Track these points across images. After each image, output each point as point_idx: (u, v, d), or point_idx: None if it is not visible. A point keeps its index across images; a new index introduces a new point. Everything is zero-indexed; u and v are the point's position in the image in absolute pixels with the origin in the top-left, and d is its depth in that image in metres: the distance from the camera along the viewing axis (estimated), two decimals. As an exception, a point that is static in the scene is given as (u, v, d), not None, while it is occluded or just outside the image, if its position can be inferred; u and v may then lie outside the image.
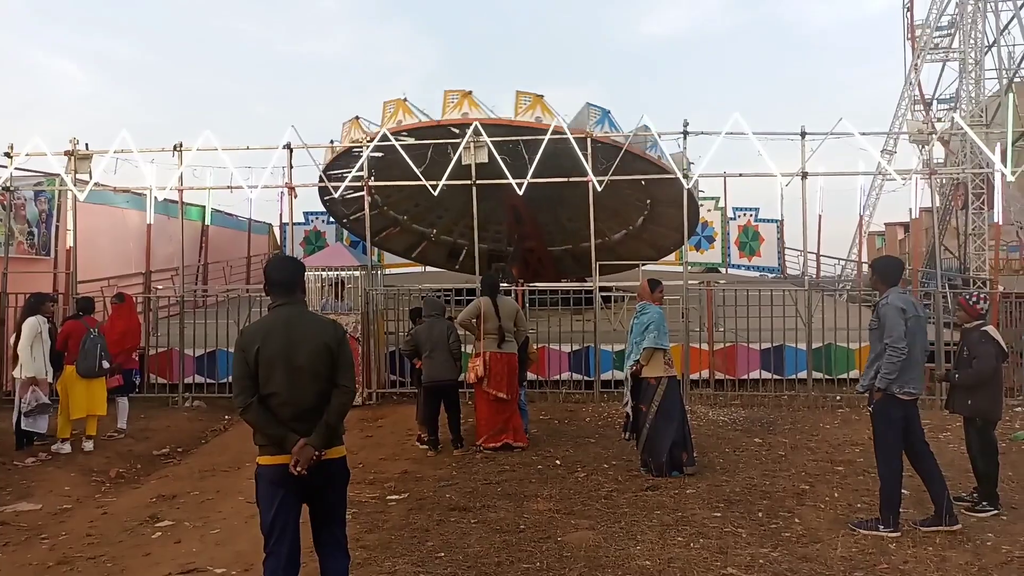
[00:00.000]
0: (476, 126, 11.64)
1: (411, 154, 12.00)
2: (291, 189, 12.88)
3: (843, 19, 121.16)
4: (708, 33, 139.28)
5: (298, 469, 3.53)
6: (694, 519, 5.56)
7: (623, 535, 5.25)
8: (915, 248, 20.52)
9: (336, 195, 13.98)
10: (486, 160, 11.62)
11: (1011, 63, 26.40)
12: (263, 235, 21.81)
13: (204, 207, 16.97)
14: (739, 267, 21.97)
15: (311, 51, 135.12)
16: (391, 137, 12.08)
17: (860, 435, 8.10)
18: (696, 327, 11.39)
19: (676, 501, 6.02)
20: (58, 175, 12.44)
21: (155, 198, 12.90)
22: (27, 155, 12.01)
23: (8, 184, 12.01)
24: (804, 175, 11.77)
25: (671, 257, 17.89)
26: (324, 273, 11.08)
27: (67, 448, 8.23)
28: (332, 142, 13.96)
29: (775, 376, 11.18)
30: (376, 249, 18.01)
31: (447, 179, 11.79)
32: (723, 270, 21.81)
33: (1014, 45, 26.27)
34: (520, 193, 12.00)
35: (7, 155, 11.89)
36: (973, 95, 24.82)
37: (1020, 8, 25.31)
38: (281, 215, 18.01)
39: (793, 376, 11.13)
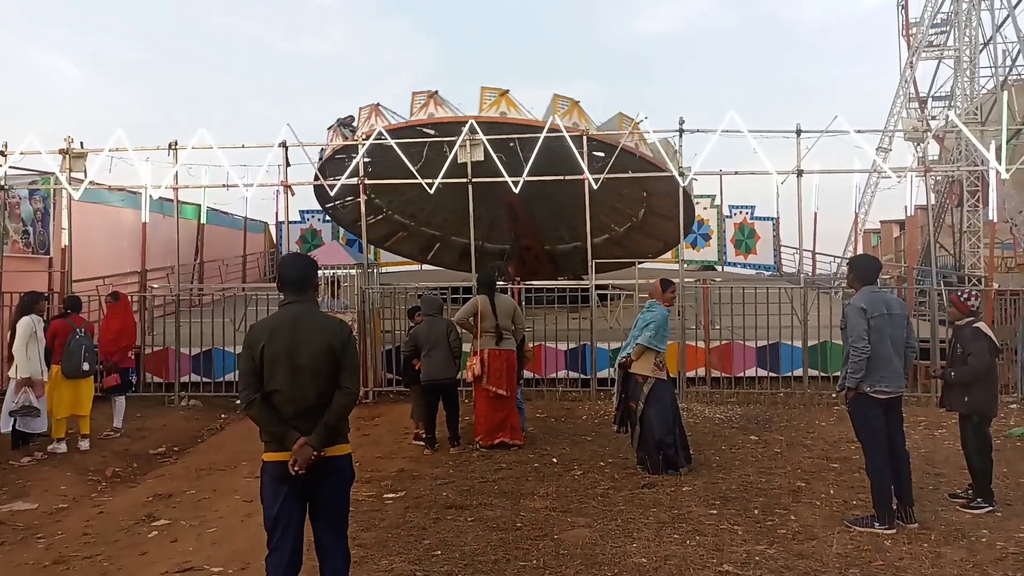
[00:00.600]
0: (472, 124, 11.64)
1: (407, 152, 11.99)
2: (287, 187, 12.87)
3: (837, 17, 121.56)
4: (703, 31, 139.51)
5: (296, 468, 3.53)
6: (690, 516, 5.57)
7: (620, 533, 5.25)
8: (911, 245, 20.59)
9: (332, 193, 13.99)
10: (482, 158, 11.63)
11: (1006, 61, 26.50)
12: (259, 233, 21.79)
13: (200, 205, 16.92)
14: (735, 265, 22.01)
15: (308, 49, 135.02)
16: (386, 135, 12.07)
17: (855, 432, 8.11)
18: (692, 325, 11.41)
19: (672, 499, 6.03)
20: (53, 174, 12.41)
21: (150, 197, 12.88)
22: (22, 153, 12.00)
23: (2, 183, 11.99)
24: (800, 173, 11.80)
25: (667, 255, 17.91)
26: (321, 271, 11.06)
27: (63, 448, 8.22)
28: (330, 128, 13.96)
29: (771, 374, 11.20)
30: (372, 247, 18.04)
31: (443, 178, 11.80)
32: (719, 268, 21.86)
33: (1009, 43, 26.37)
34: (516, 191, 12.01)
35: (1, 153, 11.87)
36: (968, 93, 24.86)
37: (1015, 6, 25.39)
38: (277, 213, 18.00)
39: (789, 374, 11.17)
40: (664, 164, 12.35)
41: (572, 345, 11.45)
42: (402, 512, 5.83)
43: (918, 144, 14.03)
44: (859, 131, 11.84)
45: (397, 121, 13.00)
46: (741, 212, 22.15)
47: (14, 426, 8.19)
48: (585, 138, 11.77)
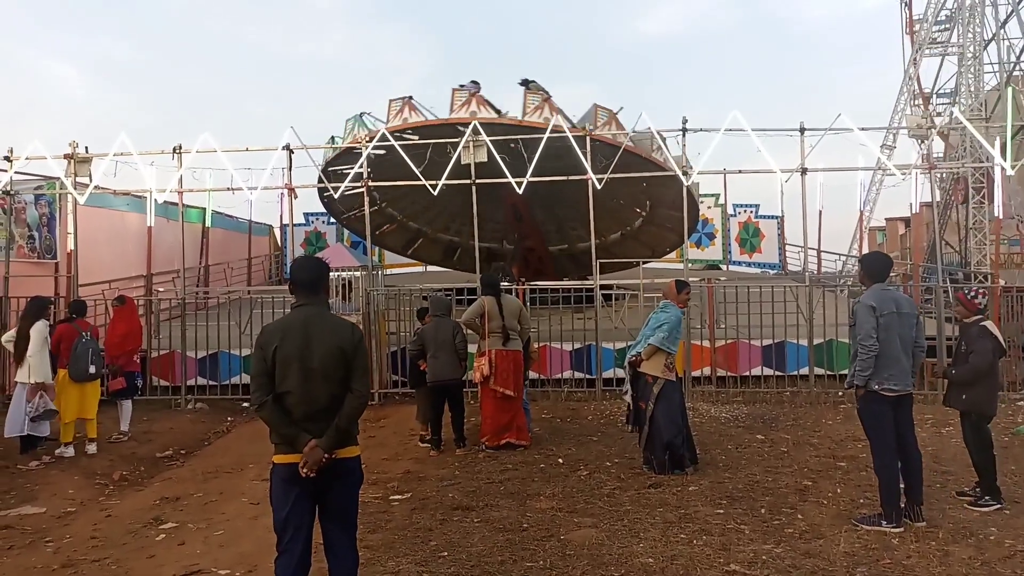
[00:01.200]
0: (475, 125, 11.64)
1: (410, 154, 11.99)
2: (291, 190, 12.89)
3: (837, 17, 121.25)
4: (703, 31, 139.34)
5: (305, 471, 3.54)
6: (697, 516, 5.56)
7: (626, 533, 5.25)
8: (916, 243, 20.54)
9: (336, 196, 13.97)
10: (485, 159, 11.62)
11: (1010, 56, 26.40)
12: (264, 236, 21.84)
13: (204, 209, 16.99)
14: (740, 264, 21.97)
15: (309, 52, 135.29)
16: (389, 137, 12.08)
17: (862, 431, 8.01)
18: (697, 324, 11.39)
19: (679, 498, 6.02)
20: (58, 178, 12.46)
21: (155, 200, 12.91)
22: (27, 159, 12.02)
23: (8, 188, 12.03)
24: (804, 171, 11.77)
25: (672, 255, 17.89)
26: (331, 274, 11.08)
27: (70, 452, 8.25)
28: (332, 139, 13.93)
29: (777, 372, 11.18)
30: (377, 249, 18.00)
31: (447, 178, 11.79)
32: (724, 267, 21.82)
33: (1013, 39, 26.30)
34: (520, 192, 12.00)
35: (7, 159, 11.91)
36: (972, 89, 24.79)
37: (1019, 2, 25.29)
38: (281, 216, 18.07)
39: (795, 372, 11.13)
40: (668, 165, 12.33)
41: (577, 345, 11.44)
42: (408, 514, 5.83)
43: (922, 141, 13.98)
44: (863, 129, 11.84)
45: (431, 118, 12.94)
46: (745, 211, 22.11)
47: (25, 430, 8.23)
48: (588, 139, 11.76)
